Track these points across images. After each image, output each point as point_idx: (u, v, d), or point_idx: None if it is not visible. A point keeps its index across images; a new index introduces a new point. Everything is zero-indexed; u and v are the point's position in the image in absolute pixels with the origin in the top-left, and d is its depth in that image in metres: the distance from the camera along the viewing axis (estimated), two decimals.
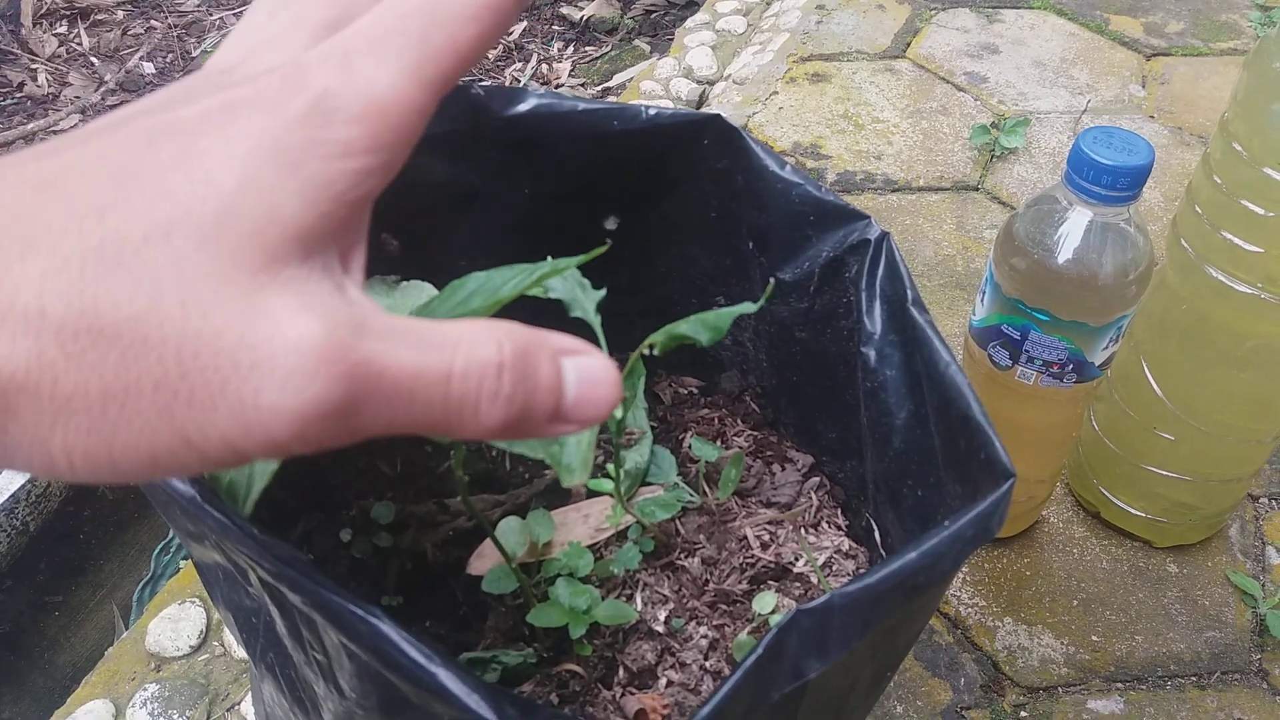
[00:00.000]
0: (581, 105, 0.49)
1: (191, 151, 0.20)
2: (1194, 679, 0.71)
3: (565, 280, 0.44)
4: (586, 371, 0.23)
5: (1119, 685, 0.70)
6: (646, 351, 0.41)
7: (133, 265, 0.19)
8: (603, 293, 0.44)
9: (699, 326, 0.39)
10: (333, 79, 0.21)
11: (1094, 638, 0.73)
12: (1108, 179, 0.55)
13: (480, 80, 1.63)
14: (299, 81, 0.21)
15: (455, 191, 0.52)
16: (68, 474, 0.20)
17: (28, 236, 0.19)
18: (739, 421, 0.59)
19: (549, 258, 0.45)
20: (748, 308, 0.41)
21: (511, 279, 0.34)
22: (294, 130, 0.21)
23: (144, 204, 0.20)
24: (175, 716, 0.69)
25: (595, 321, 0.44)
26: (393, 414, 0.21)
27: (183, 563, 0.85)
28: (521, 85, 1.62)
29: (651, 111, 0.49)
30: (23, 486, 0.88)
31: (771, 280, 0.50)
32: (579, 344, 0.23)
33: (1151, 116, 1.20)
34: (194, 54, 1.65)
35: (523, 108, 0.49)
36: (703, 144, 0.51)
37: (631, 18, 1.74)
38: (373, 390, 0.20)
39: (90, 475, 0.20)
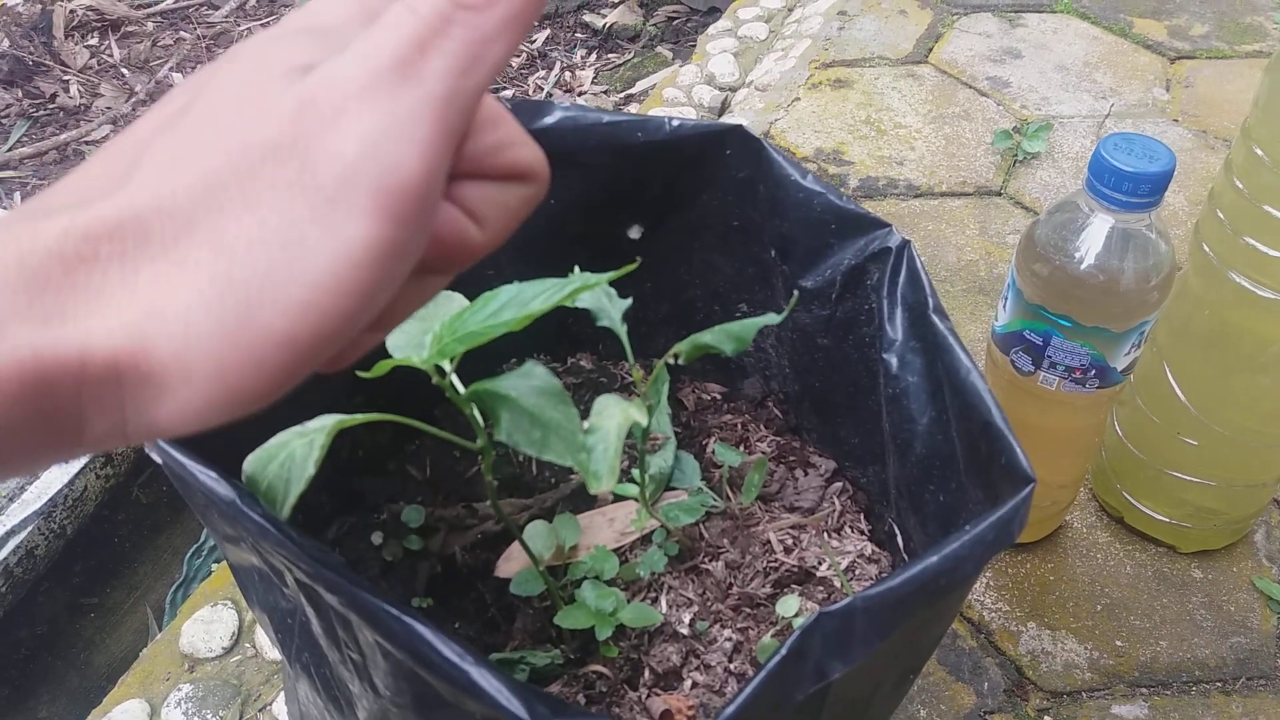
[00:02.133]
0: (606, 117, 0.50)
1: None
2: (1219, 685, 0.71)
3: (593, 291, 0.44)
4: None
5: (1143, 691, 0.70)
6: (672, 360, 0.41)
7: (184, 116, 0.22)
8: (629, 302, 0.45)
9: (723, 337, 0.40)
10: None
11: (1118, 643, 0.73)
12: (1128, 185, 0.56)
13: (504, 89, 1.64)
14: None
15: None
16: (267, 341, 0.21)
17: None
18: (762, 427, 0.59)
19: (576, 266, 0.46)
20: (772, 319, 0.42)
21: (542, 293, 0.34)
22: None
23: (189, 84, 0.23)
24: (209, 716, 0.70)
25: (622, 331, 0.45)
26: (445, 65, 0.21)
27: (214, 566, 0.86)
28: (545, 92, 1.63)
29: (675, 123, 0.50)
30: (60, 491, 0.90)
31: (796, 292, 0.51)
32: None
33: (1175, 120, 1.20)
34: None
35: (549, 120, 0.50)
36: (725, 154, 0.52)
37: (654, 25, 1.76)
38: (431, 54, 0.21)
39: (309, 325, 0.21)
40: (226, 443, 0.38)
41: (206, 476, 0.36)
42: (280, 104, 0.21)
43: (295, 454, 0.37)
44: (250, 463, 0.38)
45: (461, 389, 0.38)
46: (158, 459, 0.38)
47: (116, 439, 0.22)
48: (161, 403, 0.21)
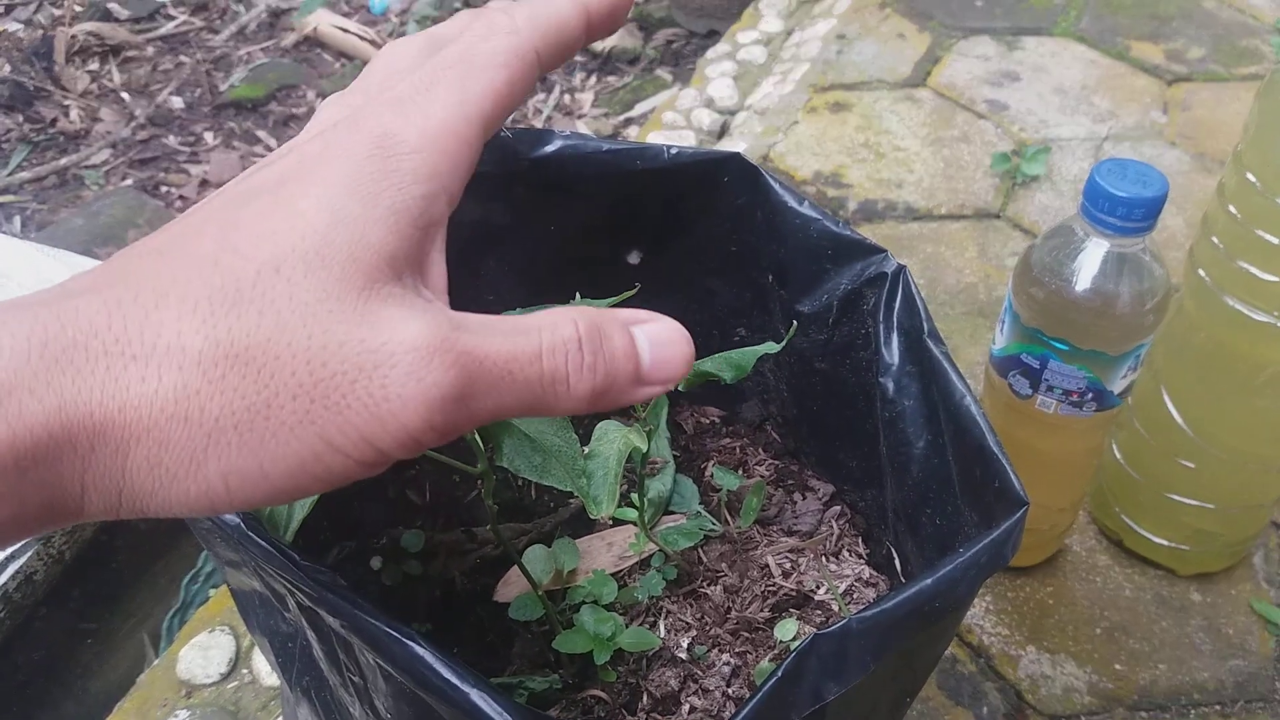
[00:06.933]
0: (605, 145, 0.51)
1: (282, 199, 0.23)
2: (1218, 708, 0.71)
3: None
4: (657, 335, 0.26)
5: (1142, 714, 0.70)
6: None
7: (253, 298, 0.22)
8: None
9: (723, 365, 0.41)
10: (390, 120, 0.24)
11: (1117, 666, 0.73)
12: (1123, 210, 0.56)
13: None
14: (361, 126, 0.24)
15: (485, 230, 0.54)
16: (223, 497, 0.22)
17: (157, 289, 0.22)
18: (760, 451, 0.60)
19: (577, 294, 0.47)
20: (771, 348, 0.42)
21: None
22: (365, 167, 0.23)
23: (250, 248, 0.22)
24: None
25: None
26: (499, 396, 0.23)
27: (212, 592, 0.86)
28: (544, 115, 1.64)
29: (673, 150, 0.51)
30: None
31: (794, 322, 0.51)
32: (647, 314, 0.26)
33: (1173, 143, 1.21)
34: (221, 89, 1.69)
35: (549, 149, 0.50)
36: (723, 181, 0.52)
37: (653, 48, 1.77)
38: (479, 374, 0.23)
39: (245, 495, 0.22)
40: None
41: None
42: (366, 327, 0.22)
43: None
44: None
45: None
46: None
47: (109, 515, 0.23)
48: (166, 489, 0.22)
